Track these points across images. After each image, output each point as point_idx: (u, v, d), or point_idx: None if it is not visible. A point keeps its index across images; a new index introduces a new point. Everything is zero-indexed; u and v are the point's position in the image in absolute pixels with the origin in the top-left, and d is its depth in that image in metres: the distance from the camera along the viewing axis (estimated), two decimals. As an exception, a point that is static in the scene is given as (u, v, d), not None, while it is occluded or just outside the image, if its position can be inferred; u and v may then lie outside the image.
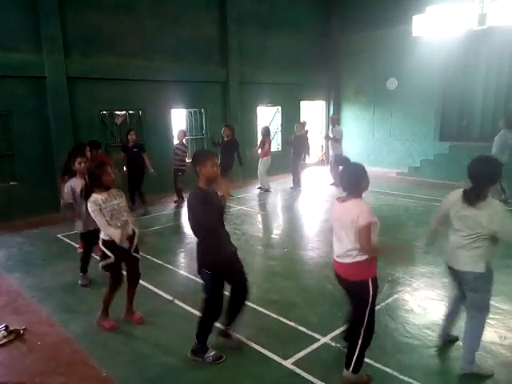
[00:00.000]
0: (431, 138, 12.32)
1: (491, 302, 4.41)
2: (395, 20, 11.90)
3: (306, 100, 14.14)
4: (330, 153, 11.40)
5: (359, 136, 14.08)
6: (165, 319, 4.36)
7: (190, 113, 11.34)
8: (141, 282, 5.21)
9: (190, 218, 3.34)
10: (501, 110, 11.42)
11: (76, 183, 5.02)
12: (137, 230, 4.10)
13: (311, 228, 7.85)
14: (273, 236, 7.36)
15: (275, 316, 4.31)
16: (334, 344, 3.74)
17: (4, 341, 3.93)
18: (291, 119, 13.37)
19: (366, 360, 3.49)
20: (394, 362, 3.48)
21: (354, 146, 14.25)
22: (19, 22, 8.11)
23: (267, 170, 10.67)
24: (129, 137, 8.73)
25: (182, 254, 6.50)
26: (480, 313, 3.27)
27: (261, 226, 8.06)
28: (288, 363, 3.48)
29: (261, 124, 12.78)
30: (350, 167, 3.08)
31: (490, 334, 3.85)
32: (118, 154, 8.94)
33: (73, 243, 6.71)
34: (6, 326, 4.06)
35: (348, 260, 3.05)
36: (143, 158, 8.64)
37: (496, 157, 8.48)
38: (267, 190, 10.68)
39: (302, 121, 11.71)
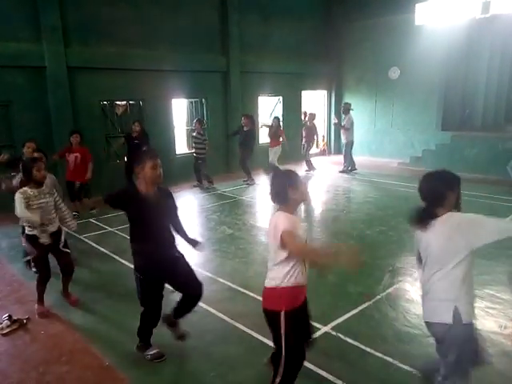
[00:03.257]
0: (433, 127, 12.25)
1: (491, 292, 4.47)
2: (398, 8, 11.78)
3: (307, 90, 14.04)
4: (343, 141, 11.72)
5: (361, 126, 13.98)
6: (167, 309, 4.38)
7: (191, 103, 11.28)
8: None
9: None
10: (503, 99, 11.35)
11: None
12: (64, 229, 4.36)
13: (312, 218, 7.85)
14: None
15: (276, 306, 4.32)
16: (334, 333, 3.76)
17: (7, 330, 3.96)
18: (292, 109, 13.31)
19: (367, 349, 3.52)
20: (395, 350, 3.50)
21: (356, 136, 14.17)
22: (18, 10, 8.04)
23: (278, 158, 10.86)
24: (133, 127, 8.74)
25: (186, 244, 6.50)
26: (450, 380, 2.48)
27: (263, 216, 8.07)
28: (289, 352, 3.50)
29: (262, 114, 12.78)
30: (276, 175, 2.67)
31: (490, 324, 3.87)
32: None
33: (75, 234, 6.72)
34: (10, 316, 4.09)
35: (266, 282, 2.67)
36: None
37: None
38: None
39: (312, 112, 11.98)
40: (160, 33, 9.98)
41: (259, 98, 12.57)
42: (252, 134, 10.20)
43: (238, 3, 11.30)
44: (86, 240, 6.53)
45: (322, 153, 14.90)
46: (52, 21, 8.30)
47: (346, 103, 11.86)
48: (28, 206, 3.92)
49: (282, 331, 2.55)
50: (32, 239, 4.07)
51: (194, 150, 10.10)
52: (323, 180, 10.97)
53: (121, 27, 9.33)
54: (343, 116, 11.52)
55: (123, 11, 9.35)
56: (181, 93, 10.78)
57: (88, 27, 8.90)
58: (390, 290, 4.61)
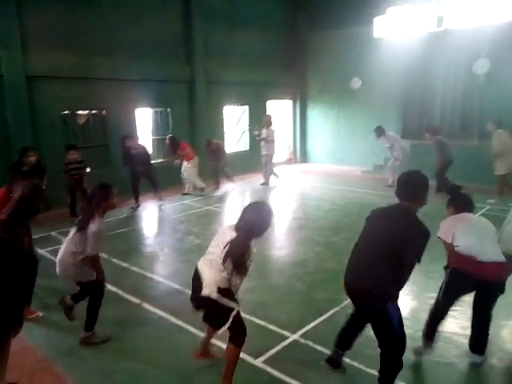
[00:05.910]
0: (394, 136, 12.63)
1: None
2: (358, 20, 12.13)
3: (273, 99, 14.18)
4: (263, 152, 11.18)
5: (325, 135, 14.30)
6: (132, 323, 4.28)
7: (156, 112, 11.16)
8: (107, 286, 5.11)
9: (395, 245, 2.84)
10: (458, 109, 11.87)
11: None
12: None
13: (278, 227, 7.89)
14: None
15: (245, 315, 4.28)
16: (303, 341, 3.78)
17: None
18: (258, 119, 13.40)
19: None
20: (362, 355, 3.55)
21: (321, 145, 14.48)
22: (-28, 16, 7.73)
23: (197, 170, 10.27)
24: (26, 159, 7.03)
25: (148, 257, 6.39)
26: None
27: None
28: (259, 362, 3.50)
29: (228, 124, 12.80)
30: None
31: (453, 325, 4.00)
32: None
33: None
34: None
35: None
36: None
37: None
38: (196, 189, 10.29)
39: (208, 139, 10.94)
40: (123, 41, 9.83)
41: (225, 107, 12.59)
42: (128, 153, 8.99)
43: (202, 12, 11.28)
44: (48, 255, 6.28)
45: (289, 161, 15.07)
46: (9, 26, 7.98)
47: (268, 116, 11.56)
48: None
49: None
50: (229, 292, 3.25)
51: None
52: (291, 189, 11.08)
53: (82, 34, 9.12)
54: (265, 128, 11.06)
55: (85, 19, 9.15)
56: (145, 102, 10.64)
57: (48, 34, 8.64)
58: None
